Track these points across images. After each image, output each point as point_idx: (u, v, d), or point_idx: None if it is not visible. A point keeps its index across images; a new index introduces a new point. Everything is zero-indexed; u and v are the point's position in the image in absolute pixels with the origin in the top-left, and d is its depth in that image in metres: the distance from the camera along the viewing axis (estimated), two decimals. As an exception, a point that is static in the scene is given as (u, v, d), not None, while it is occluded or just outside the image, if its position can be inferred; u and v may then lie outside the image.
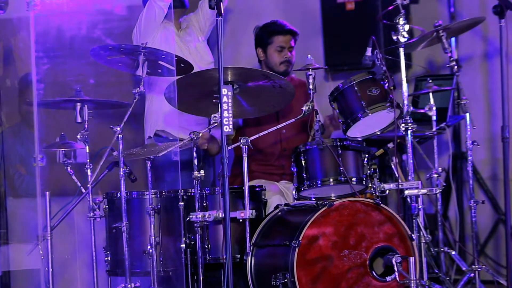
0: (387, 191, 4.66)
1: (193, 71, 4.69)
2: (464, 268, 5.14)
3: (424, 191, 4.48)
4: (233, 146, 4.59)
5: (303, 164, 4.68)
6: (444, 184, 5.24)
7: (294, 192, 4.75)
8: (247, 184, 4.38)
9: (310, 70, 4.55)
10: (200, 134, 4.52)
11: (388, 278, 4.44)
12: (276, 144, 5.43)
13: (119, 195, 4.53)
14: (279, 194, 5.08)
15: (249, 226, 4.41)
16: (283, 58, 5.44)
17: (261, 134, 4.62)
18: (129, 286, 4.40)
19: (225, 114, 4.12)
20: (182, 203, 4.59)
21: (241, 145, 4.41)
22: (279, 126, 4.68)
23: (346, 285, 4.41)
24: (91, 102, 4.72)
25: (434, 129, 5.34)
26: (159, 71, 4.72)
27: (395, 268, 4.32)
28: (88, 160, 4.66)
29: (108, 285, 4.79)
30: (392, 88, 4.56)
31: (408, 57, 6.11)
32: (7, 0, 4.52)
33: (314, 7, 6.76)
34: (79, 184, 4.72)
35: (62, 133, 4.83)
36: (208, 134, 5.19)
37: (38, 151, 4.69)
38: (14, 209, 5.20)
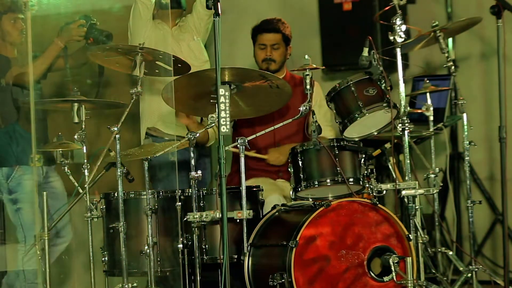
0: (384, 191, 4.66)
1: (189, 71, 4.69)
2: (461, 268, 5.13)
3: (421, 191, 4.48)
4: (230, 146, 4.58)
5: (300, 165, 4.68)
6: (441, 184, 5.25)
7: (291, 193, 4.75)
8: (244, 184, 4.38)
9: (307, 70, 4.55)
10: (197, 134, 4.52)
11: (386, 278, 4.44)
12: (270, 138, 5.39)
13: (116, 195, 4.53)
14: (278, 193, 5.07)
15: (246, 226, 4.41)
16: (264, 56, 5.45)
17: (258, 134, 4.61)
18: (126, 286, 4.40)
19: (223, 114, 4.12)
20: (180, 203, 4.58)
21: (238, 145, 4.40)
22: (276, 127, 4.66)
23: (343, 286, 4.40)
24: (88, 102, 4.72)
25: (431, 129, 5.34)
26: (156, 71, 4.71)
27: (393, 268, 4.33)
28: (85, 161, 4.66)
29: (106, 286, 4.79)
30: (389, 88, 4.57)
31: (405, 57, 6.11)
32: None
33: (311, 7, 6.76)
34: (77, 184, 4.71)
35: (59, 133, 4.83)
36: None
37: (35, 152, 4.69)
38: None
